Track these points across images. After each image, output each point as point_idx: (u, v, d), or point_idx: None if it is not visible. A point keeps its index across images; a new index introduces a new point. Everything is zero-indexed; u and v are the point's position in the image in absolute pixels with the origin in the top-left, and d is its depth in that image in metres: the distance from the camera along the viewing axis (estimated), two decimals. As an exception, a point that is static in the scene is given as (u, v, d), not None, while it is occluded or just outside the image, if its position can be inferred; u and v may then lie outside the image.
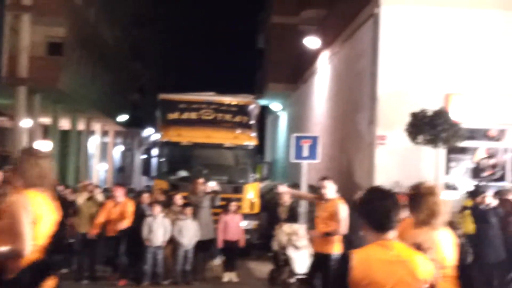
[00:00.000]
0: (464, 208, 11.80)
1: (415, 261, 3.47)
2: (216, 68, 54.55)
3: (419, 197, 4.38)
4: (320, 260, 8.69)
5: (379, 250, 3.43)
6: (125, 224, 11.37)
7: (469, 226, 11.34)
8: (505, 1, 14.03)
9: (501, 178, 14.41)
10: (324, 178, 9.04)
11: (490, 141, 14.63)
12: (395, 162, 13.78)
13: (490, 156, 14.56)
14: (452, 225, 4.83)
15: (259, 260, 13.83)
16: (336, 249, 8.40)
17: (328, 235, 8.48)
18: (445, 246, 4.36)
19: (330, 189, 8.87)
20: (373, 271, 3.36)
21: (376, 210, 3.48)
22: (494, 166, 14.58)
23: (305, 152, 13.74)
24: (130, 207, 11.60)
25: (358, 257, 3.39)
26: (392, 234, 3.48)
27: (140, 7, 41.49)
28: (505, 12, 14.07)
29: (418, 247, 3.84)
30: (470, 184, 13.61)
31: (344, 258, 3.43)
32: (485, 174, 14.42)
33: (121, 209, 11.49)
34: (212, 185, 13.42)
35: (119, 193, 11.68)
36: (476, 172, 14.44)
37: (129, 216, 11.44)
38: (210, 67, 55.09)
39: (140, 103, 43.90)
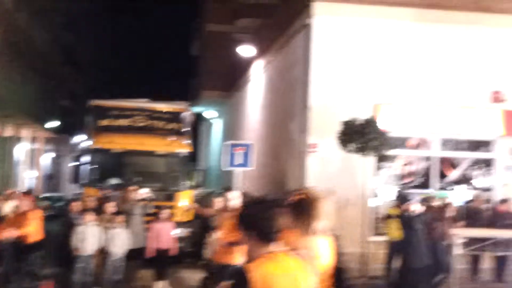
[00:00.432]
0: (389, 216, 12.16)
1: (302, 272, 3.43)
2: (150, 74, 54.00)
3: (302, 204, 4.28)
4: (219, 270, 8.56)
5: (272, 262, 3.34)
6: (15, 233, 10.68)
7: (395, 233, 11.69)
8: (431, 15, 14.55)
9: (426, 185, 14.92)
10: (227, 189, 9.16)
11: (416, 149, 15.12)
12: (326, 170, 14.04)
13: (409, 163, 15.02)
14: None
15: (191, 268, 13.76)
16: (237, 259, 8.14)
17: (232, 245, 8.30)
18: (324, 252, 4.30)
19: (235, 200, 8.95)
20: (270, 285, 3.28)
21: (263, 222, 3.36)
22: (413, 174, 15.06)
23: (239, 159, 13.81)
24: (33, 216, 11.02)
25: (256, 270, 3.28)
26: (277, 245, 3.40)
27: (72, 12, 40.64)
28: (431, 25, 14.59)
29: (301, 255, 3.79)
30: (392, 192, 14.02)
31: (243, 271, 3.30)
32: (405, 181, 14.87)
33: (22, 218, 10.95)
34: (144, 192, 13.27)
35: (24, 202, 11.20)
36: (397, 179, 14.87)
37: (27, 225, 10.76)
38: (144, 73, 54.50)
39: (71, 109, 42.94)
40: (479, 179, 15.24)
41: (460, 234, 12.26)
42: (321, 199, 4.22)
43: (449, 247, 12.18)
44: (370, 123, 12.98)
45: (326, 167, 14.05)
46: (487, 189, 15.11)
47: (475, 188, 15.07)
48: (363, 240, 13.11)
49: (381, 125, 13.20)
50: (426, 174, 15.06)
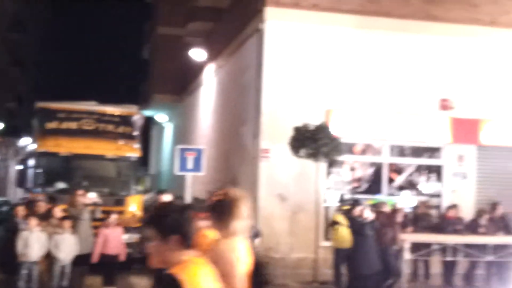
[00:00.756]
0: (335, 222, 12.19)
1: (213, 276, 3.35)
2: (100, 77, 53.10)
3: (221, 205, 4.17)
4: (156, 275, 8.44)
5: (196, 266, 3.26)
6: None
7: (342, 239, 11.71)
8: (381, 23, 14.73)
9: (375, 191, 15.08)
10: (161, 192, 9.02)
11: (363, 154, 15.26)
12: (279, 175, 14.03)
13: (356, 169, 15.17)
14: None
15: (140, 275, 13.50)
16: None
17: None
18: (243, 253, 4.19)
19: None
20: None
21: (185, 226, 3.28)
22: (360, 179, 15.22)
23: (190, 164, 13.64)
24: None
25: (185, 274, 3.18)
26: (194, 249, 3.32)
27: (19, 12, 39.63)
28: (382, 32, 14.78)
29: (219, 258, 3.76)
30: (340, 197, 14.12)
31: (172, 276, 3.16)
32: (353, 186, 15.01)
33: None
34: (92, 197, 12.96)
35: None
36: (344, 185, 14.98)
37: None
38: (93, 76, 53.57)
39: (17, 111, 41.82)
40: (425, 185, 15.49)
41: (409, 239, 12.41)
42: (240, 199, 4.14)
43: (399, 252, 12.31)
44: (321, 129, 13.03)
45: (279, 173, 14.04)
46: (433, 195, 15.37)
47: (421, 194, 15.31)
48: (315, 245, 13.13)
49: (332, 130, 13.27)
50: (375, 180, 15.23)
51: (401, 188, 15.36)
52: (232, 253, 3.97)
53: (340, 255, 11.92)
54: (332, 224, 12.46)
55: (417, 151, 15.55)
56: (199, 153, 13.92)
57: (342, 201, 13.60)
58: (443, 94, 15.04)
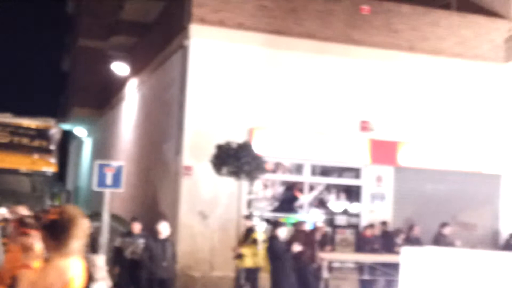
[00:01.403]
0: (254, 240, 12.14)
1: None
2: (16, 88, 51.23)
3: (57, 224, 3.98)
4: None
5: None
6: None
7: (257, 258, 11.63)
8: (306, 45, 14.95)
9: (290, 209, 15.14)
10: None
11: (275, 172, 15.34)
12: (200, 193, 13.88)
13: (266, 187, 15.21)
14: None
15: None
16: None
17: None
18: (78, 274, 4.19)
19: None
20: None
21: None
22: (269, 198, 15.28)
23: (109, 180, 13.26)
24: None
25: None
26: None
27: None
28: (306, 54, 14.99)
29: (52, 278, 3.67)
30: (256, 216, 14.09)
31: None
32: (261, 205, 15.03)
33: None
34: (3, 212, 12.35)
35: None
36: (255, 203, 14.99)
37: None
38: (9, 87, 51.65)
39: None
40: (335, 204, 15.66)
41: (327, 258, 12.54)
42: (77, 218, 3.99)
43: (317, 271, 12.40)
44: (244, 147, 13.02)
45: (201, 190, 13.89)
46: (352, 214, 15.62)
47: (332, 213, 15.48)
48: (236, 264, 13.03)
49: (255, 149, 13.29)
50: (288, 198, 15.32)
51: (312, 206, 15.47)
52: (66, 274, 3.80)
53: (247, 275, 11.81)
54: (251, 242, 12.30)
55: (338, 171, 15.81)
56: (119, 169, 13.58)
57: (259, 219, 13.57)
58: (363, 116, 15.39)
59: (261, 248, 11.68)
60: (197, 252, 13.53)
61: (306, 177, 15.33)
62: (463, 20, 16.31)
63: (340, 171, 15.88)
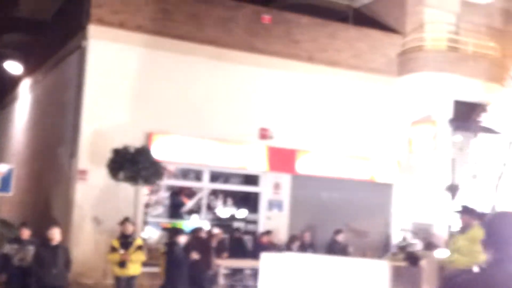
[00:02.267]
0: (139, 247, 11.89)
1: None
2: None
3: None
4: None
5: None
6: None
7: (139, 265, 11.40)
8: (206, 51, 14.92)
9: (177, 215, 15.08)
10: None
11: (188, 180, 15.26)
12: (95, 197, 13.49)
13: (154, 192, 15.03)
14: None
15: None
16: None
17: None
18: None
19: None
20: None
21: None
22: (157, 203, 15.15)
23: (-3, 184, 12.64)
24: None
25: None
26: None
27: None
28: (204, 60, 14.94)
29: None
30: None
31: None
32: (150, 210, 14.88)
33: None
34: None
35: None
36: (151, 209, 14.82)
37: None
38: None
39: None
40: (221, 209, 15.71)
41: (224, 264, 12.54)
42: None
43: (213, 277, 12.38)
44: (142, 152, 12.80)
45: (95, 195, 13.49)
46: (249, 221, 15.74)
47: (217, 218, 15.53)
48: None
49: (153, 154, 13.09)
50: (174, 204, 15.26)
51: (193, 211, 15.46)
52: None
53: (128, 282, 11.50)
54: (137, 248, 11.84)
55: (238, 178, 15.88)
56: (8, 172, 12.97)
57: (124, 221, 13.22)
58: (263, 123, 15.54)
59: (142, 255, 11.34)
60: (90, 259, 13.11)
61: (205, 184, 15.29)
62: (360, 33, 16.90)
63: (239, 178, 15.96)
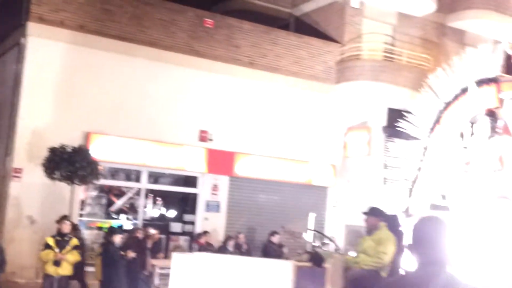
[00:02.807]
0: (76, 246, 11.84)
1: None
2: None
3: None
4: None
5: None
6: None
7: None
8: (152, 53, 15.01)
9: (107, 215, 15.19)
10: None
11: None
12: (31, 196, 13.38)
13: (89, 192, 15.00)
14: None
15: None
16: None
17: None
18: None
19: None
20: None
21: None
22: (91, 203, 15.17)
23: None
24: None
25: None
26: None
27: None
28: (150, 61, 15.03)
29: None
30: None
31: None
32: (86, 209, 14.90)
33: None
34: None
35: None
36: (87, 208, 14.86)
37: None
38: None
39: None
40: (149, 209, 15.75)
41: (159, 264, 12.66)
42: None
43: (149, 277, 12.48)
44: (79, 152, 12.79)
45: (30, 194, 13.38)
46: (188, 222, 15.91)
47: (154, 219, 15.66)
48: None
49: (91, 154, 13.09)
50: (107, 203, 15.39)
51: (123, 211, 15.54)
52: None
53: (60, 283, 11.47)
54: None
55: (177, 180, 16.04)
56: None
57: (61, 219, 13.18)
58: (203, 126, 15.74)
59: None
60: (23, 258, 13.00)
61: (143, 184, 15.37)
62: (300, 40, 17.32)
63: (178, 179, 16.11)
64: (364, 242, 8.31)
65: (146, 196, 15.52)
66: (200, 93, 15.78)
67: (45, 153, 12.62)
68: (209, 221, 15.76)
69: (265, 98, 16.71)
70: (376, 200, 11.76)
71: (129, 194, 15.57)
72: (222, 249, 14.32)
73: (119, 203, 15.45)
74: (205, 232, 14.74)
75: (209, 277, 8.12)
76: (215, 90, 16.01)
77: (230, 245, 14.21)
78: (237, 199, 16.25)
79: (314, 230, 12.15)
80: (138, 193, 15.53)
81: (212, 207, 15.87)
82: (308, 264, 8.91)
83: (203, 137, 15.75)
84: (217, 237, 15.34)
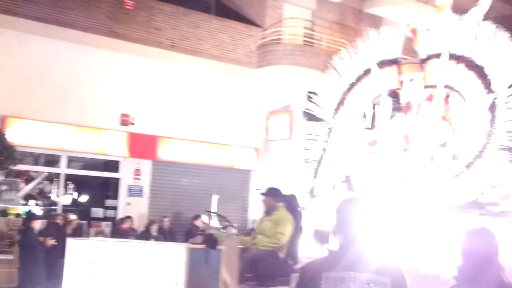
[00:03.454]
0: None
1: None
2: None
3: None
4: None
5: None
6: None
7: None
8: (66, 33, 14.63)
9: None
10: None
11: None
12: None
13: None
14: None
15: None
16: None
17: None
18: None
19: None
20: None
21: None
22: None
23: None
24: None
25: None
26: None
27: None
28: (69, 43, 14.64)
29: None
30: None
31: None
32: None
33: None
34: None
35: None
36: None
37: None
38: None
39: None
40: (59, 195, 15.26)
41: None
42: None
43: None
44: (-5, 136, 12.34)
45: None
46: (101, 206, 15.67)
47: (74, 204, 15.41)
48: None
49: (8, 138, 12.66)
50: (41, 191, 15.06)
51: (31, 197, 15.22)
52: None
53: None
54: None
55: (98, 164, 15.76)
56: None
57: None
58: (124, 109, 15.51)
59: None
60: None
61: (62, 169, 15.01)
62: (221, 24, 17.32)
63: (100, 164, 15.85)
64: (262, 223, 8.14)
65: (66, 182, 15.14)
66: (121, 77, 15.53)
67: (-42, 138, 12.09)
68: (132, 206, 15.59)
69: (187, 81, 16.64)
70: (296, 181, 12.04)
71: (38, 180, 15.15)
72: (145, 234, 14.24)
73: (27, 188, 15.00)
74: (128, 217, 14.60)
75: (103, 262, 8.10)
76: (136, 73, 15.80)
77: (153, 229, 14.16)
78: (160, 184, 16.16)
79: (212, 212, 12.15)
80: (49, 178, 15.15)
81: (135, 192, 15.71)
82: (201, 246, 8.38)
83: (125, 120, 15.53)
84: (141, 222, 15.23)
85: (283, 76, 17.65)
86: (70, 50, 14.69)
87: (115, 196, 15.69)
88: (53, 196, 15.18)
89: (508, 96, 9.72)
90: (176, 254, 7.76)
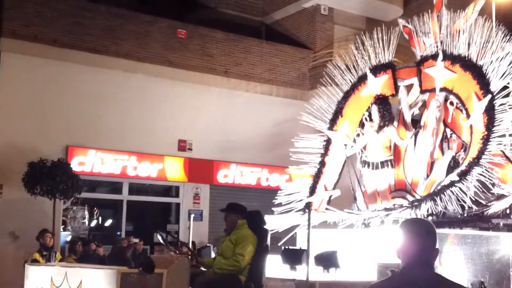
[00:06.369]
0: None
1: None
2: None
3: None
4: None
5: None
6: None
7: None
8: (127, 65, 15.02)
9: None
10: None
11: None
12: (12, 213, 13.21)
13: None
14: None
15: None
16: None
17: None
18: None
19: None
20: None
21: None
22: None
23: None
24: None
25: None
26: None
27: None
28: (125, 73, 15.01)
29: None
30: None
31: None
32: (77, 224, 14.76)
33: None
34: None
35: None
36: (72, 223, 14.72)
37: None
38: None
39: None
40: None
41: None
42: None
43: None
44: (60, 166, 12.71)
45: (12, 210, 13.20)
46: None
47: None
48: None
49: (72, 168, 13.02)
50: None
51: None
52: None
53: None
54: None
55: (159, 190, 16.02)
56: None
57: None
58: (181, 135, 15.74)
59: None
60: (7, 275, 12.76)
61: (124, 196, 15.30)
62: (272, 48, 17.51)
63: (160, 190, 16.08)
64: (222, 243, 7.30)
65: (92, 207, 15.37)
66: (177, 104, 15.76)
67: (24, 169, 12.50)
68: (192, 229, 15.64)
69: (241, 106, 16.75)
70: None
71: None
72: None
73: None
74: (184, 243, 14.61)
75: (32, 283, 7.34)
76: (192, 100, 16.01)
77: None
78: (219, 207, 16.09)
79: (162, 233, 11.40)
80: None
81: (196, 216, 15.77)
82: (136, 270, 6.48)
83: (182, 146, 15.76)
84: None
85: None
86: (127, 80, 15.08)
87: (176, 221, 15.85)
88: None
89: (504, 97, 9.11)
90: (106, 280, 6.46)
